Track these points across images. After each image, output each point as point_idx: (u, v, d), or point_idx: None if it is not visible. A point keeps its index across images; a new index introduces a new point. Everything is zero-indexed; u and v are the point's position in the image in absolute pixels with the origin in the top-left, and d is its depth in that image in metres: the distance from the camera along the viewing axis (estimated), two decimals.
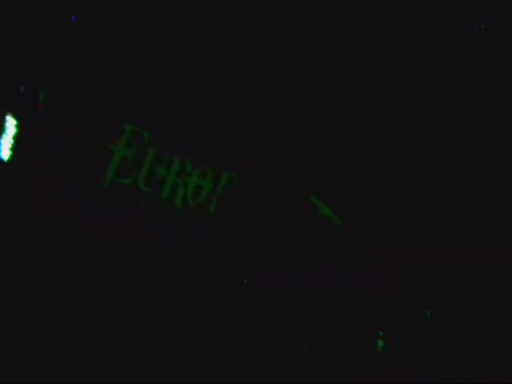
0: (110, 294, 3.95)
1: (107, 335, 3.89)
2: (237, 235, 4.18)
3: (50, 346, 3.77)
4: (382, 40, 4.38)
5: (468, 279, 4.39)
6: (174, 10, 4.15)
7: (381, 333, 4.07)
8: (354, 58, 4.43)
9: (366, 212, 4.48)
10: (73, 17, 4.14)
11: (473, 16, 4.38)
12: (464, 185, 4.56)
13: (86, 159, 3.96)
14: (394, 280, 4.32)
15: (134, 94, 4.06)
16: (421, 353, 4.12)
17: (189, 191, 4.17)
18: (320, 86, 4.47)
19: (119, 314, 3.95)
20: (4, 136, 3.84)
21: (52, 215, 3.87)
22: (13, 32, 3.93)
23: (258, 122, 4.37)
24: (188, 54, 4.22)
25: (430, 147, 4.55)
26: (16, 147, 3.83)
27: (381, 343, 4.03)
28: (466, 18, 4.38)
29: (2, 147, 3.83)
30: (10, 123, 3.83)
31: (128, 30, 4.06)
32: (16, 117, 3.83)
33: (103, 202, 4.00)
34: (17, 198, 3.86)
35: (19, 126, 3.83)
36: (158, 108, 4.13)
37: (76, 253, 3.92)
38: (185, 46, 4.22)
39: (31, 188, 3.87)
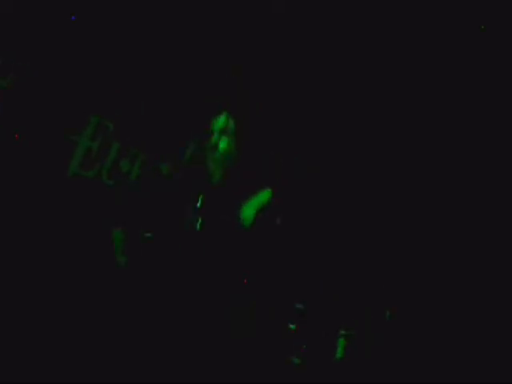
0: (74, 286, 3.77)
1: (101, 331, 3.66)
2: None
3: (48, 346, 3.58)
4: (381, 40, 4.40)
5: (468, 278, 4.24)
6: (174, 7, 4.18)
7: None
8: (353, 57, 4.43)
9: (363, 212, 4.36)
10: (72, 17, 4.17)
11: (473, 16, 4.39)
12: (464, 184, 4.47)
13: (49, 150, 3.84)
14: (393, 280, 4.18)
15: (99, 84, 4.02)
16: (420, 353, 4.01)
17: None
18: (319, 85, 4.45)
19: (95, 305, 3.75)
20: None
21: (13, 206, 3.70)
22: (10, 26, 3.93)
23: (256, 117, 4.33)
24: (186, 50, 4.22)
25: (431, 147, 4.47)
26: None
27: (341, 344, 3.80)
28: (466, 18, 4.39)
29: None
30: None
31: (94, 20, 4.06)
32: None
33: (66, 195, 3.84)
34: None
35: None
36: (123, 100, 4.08)
37: (36, 244, 3.74)
38: (183, 43, 4.22)
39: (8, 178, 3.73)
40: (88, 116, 3.96)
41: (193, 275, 3.83)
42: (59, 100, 3.92)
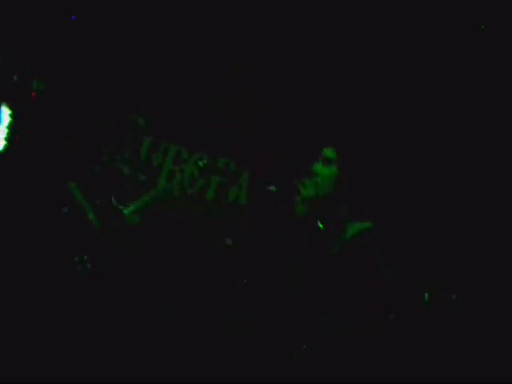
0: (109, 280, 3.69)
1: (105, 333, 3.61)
2: (234, 223, 4.04)
3: (48, 346, 3.49)
4: (382, 40, 4.37)
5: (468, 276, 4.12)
6: (174, 7, 4.19)
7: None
8: (354, 57, 4.42)
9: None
10: (72, 17, 4.18)
11: (473, 16, 4.38)
12: (464, 184, 4.37)
13: (79, 148, 3.84)
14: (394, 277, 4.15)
15: (129, 82, 4.04)
16: (420, 352, 3.84)
17: (185, 178, 4.10)
18: (320, 85, 4.44)
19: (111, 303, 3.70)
20: None
21: (47, 204, 3.67)
22: (10, 25, 3.95)
23: (256, 117, 4.35)
24: (186, 50, 4.23)
25: (432, 148, 4.42)
26: (10, 137, 3.76)
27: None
28: (466, 18, 4.38)
29: None
30: (5, 113, 3.76)
31: (124, 24, 4.09)
32: (10, 106, 3.76)
33: (101, 192, 3.83)
34: (11, 187, 3.73)
35: (14, 116, 3.76)
36: (153, 95, 4.10)
37: (73, 243, 3.65)
38: (183, 43, 4.23)
39: (25, 178, 3.75)
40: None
41: (192, 275, 3.92)
42: (89, 99, 3.97)
